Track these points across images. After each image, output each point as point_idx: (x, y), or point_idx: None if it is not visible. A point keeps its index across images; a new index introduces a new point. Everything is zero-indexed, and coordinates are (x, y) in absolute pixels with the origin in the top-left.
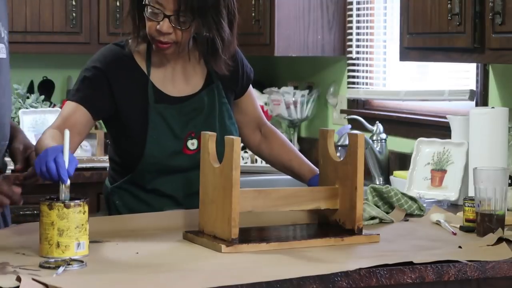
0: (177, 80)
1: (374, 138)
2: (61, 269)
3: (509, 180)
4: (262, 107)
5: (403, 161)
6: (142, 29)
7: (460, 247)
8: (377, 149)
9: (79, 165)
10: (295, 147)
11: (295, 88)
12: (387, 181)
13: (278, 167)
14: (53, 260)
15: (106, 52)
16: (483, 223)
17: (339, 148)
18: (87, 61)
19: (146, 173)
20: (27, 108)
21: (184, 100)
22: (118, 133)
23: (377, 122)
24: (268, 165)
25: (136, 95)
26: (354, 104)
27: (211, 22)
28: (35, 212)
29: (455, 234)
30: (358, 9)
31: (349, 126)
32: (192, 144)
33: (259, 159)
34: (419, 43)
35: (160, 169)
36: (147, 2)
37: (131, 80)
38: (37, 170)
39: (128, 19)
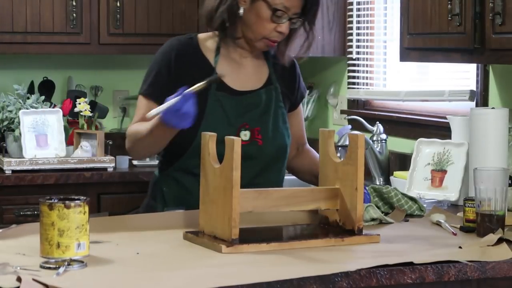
0: (241, 75)
1: (374, 138)
2: (61, 269)
3: (509, 181)
4: None
5: (403, 161)
6: (230, 28)
7: (460, 247)
8: (377, 149)
9: (79, 165)
10: None
11: None
12: (387, 182)
13: (306, 177)
14: (53, 260)
15: (174, 41)
16: (483, 224)
17: (339, 148)
18: (157, 53)
19: (196, 158)
20: (27, 109)
21: (243, 94)
22: None
23: (377, 122)
24: None
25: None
26: (354, 105)
27: (312, 22)
28: (36, 212)
29: (455, 234)
30: (358, 9)
31: (349, 126)
32: (244, 135)
33: None
34: (419, 44)
35: None
36: (277, 7)
37: (196, 69)
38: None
39: (220, 16)
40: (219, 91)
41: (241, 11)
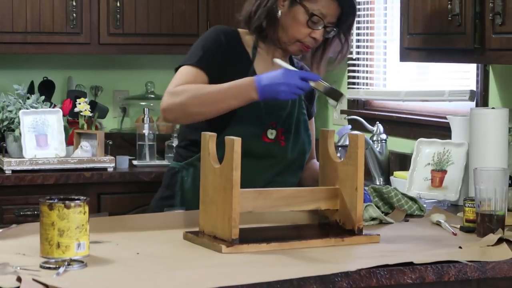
0: None
1: (374, 138)
2: (61, 269)
3: (509, 181)
4: None
5: (403, 161)
6: (268, 29)
7: (460, 247)
8: (377, 149)
9: (79, 165)
10: None
11: None
12: (387, 182)
13: (307, 182)
14: (53, 260)
15: (221, 27)
16: (483, 224)
17: (340, 148)
18: (202, 35)
19: (222, 149)
20: (27, 109)
21: None
22: None
23: (377, 122)
24: None
25: (237, 73)
26: (354, 105)
27: (347, 33)
28: (36, 212)
29: (455, 234)
30: (358, 9)
31: (350, 126)
32: (271, 133)
33: None
34: (419, 44)
35: None
36: (314, 12)
37: (238, 58)
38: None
39: (258, 18)
40: None
41: (279, 14)
